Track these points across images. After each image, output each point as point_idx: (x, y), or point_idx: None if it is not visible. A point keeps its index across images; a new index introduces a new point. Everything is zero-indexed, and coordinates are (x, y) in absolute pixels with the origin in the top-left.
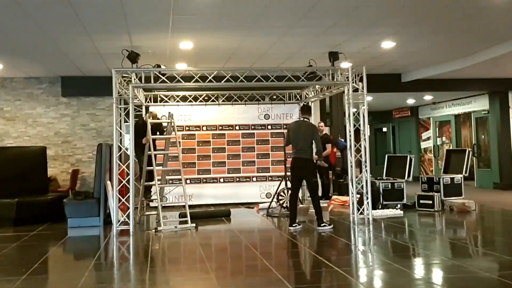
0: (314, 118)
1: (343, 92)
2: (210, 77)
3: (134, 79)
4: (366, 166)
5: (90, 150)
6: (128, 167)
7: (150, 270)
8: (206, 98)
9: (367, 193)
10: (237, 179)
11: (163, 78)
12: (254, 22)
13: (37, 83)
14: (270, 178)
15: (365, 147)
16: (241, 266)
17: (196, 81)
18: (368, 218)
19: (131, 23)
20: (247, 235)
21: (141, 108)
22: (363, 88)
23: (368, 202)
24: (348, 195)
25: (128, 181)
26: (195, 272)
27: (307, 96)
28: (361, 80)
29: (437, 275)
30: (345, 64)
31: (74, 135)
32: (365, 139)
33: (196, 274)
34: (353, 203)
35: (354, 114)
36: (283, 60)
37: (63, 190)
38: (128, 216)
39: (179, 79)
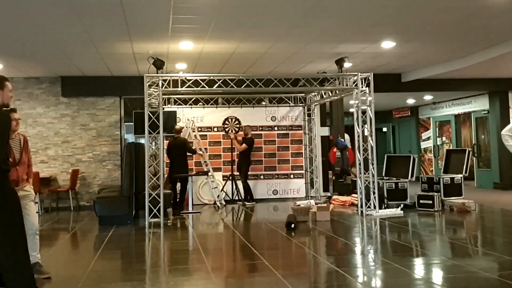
0: (315, 118)
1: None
2: (232, 83)
3: (163, 84)
4: (372, 165)
5: (90, 150)
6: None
7: None
8: (214, 100)
9: (374, 192)
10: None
11: (189, 83)
12: (252, 23)
13: (37, 83)
14: (276, 176)
15: (371, 147)
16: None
17: (219, 86)
18: (371, 217)
19: (131, 22)
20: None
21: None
22: (369, 92)
23: (375, 201)
24: (347, 195)
25: (158, 178)
26: None
27: (311, 99)
28: (368, 85)
29: (437, 275)
30: (347, 64)
31: (74, 135)
32: (372, 140)
33: None
34: (361, 202)
35: (362, 116)
36: (283, 60)
37: (63, 190)
38: (158, 210)
39: (204, 84)
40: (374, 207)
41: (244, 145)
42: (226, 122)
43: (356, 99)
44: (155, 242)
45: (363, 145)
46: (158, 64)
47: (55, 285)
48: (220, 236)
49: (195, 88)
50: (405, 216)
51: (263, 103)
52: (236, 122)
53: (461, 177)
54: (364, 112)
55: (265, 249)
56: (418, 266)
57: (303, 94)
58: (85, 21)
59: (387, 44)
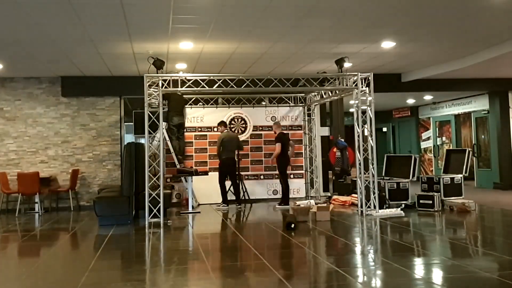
0: (315, 118)
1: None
2: (232, 83)
3: (163, 84)
4: (372, 165)
5: (90, 150)
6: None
7: None
8: (214, 100)
9: (374, 192)
10: (246, 177)
11: (189, 83)
12: (252, 23)
13: (37, 83)
14: (276, 176)
15: (371, 147)
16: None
17: (219, 86)
18: (371, 217)
19: (131, 22)
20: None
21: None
22: (369, 92)
23: (375, 201)
24: (347, 195)
25: (158, 178)
26: None
27: (311, 99)
28: (368, 85)
29: (437, 275)
30: (347, 64)
31: (74, 135)
32: (372, 139)
33: None
34: (361, 202)
35: (362, 116)
36: (283, 60)
37: (63, 190)
38: (158, 210)
39: (204, 84)
40: (374, 207)
41: (277, 145)
42: (232, 122)
43: (356, 99)
44: (155, 242)
45: (363, 145)
46: (158, 64)
47: (55, 285)
48: (220, 236)
49: (195, 88)
50: (405, 216)
51: (263, 103)
52: (243, 122)
53: (461, 177)
54: (364, 112)
55: (265, 249)
56: (418, 266)
57: (303, 94)
58: (85, 21)
59: (387, 44)
